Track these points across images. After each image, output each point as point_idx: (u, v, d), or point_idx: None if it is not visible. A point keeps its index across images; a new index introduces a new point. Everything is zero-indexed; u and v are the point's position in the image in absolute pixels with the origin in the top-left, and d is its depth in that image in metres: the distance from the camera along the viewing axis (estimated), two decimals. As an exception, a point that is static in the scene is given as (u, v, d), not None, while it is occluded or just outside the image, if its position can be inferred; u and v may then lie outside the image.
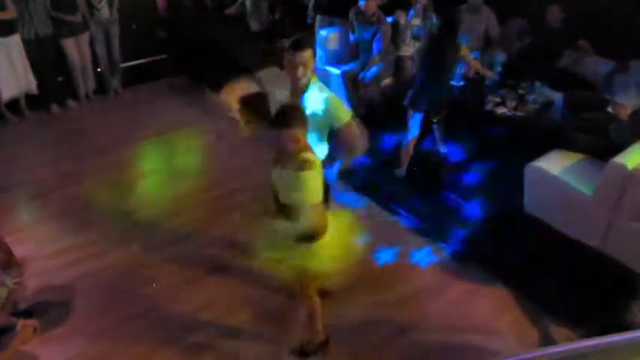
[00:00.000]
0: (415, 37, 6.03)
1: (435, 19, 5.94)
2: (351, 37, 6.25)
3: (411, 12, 6.16)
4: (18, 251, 4.36)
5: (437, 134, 5.46)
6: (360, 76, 6.09)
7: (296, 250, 3.12)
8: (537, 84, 5.29)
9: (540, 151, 4.62)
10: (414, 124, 5.09)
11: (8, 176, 5.61)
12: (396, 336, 3.88)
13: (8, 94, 6.49)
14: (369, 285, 4.30)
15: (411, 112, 5.07)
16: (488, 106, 5.19)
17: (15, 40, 6.28)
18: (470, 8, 6.02)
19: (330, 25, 6.65)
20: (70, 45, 6.77)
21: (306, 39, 3.31)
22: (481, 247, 4.57)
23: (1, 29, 6.14)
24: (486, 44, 6.17)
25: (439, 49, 4.89)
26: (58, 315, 3.98)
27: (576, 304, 3.99)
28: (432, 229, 4.84)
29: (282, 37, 7.73)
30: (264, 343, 3.81)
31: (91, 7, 6.76)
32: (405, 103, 5.13)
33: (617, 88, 5.05)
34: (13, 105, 6.68)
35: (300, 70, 3.24)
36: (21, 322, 3.61)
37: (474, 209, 4.83)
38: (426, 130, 5.33)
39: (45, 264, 4.43)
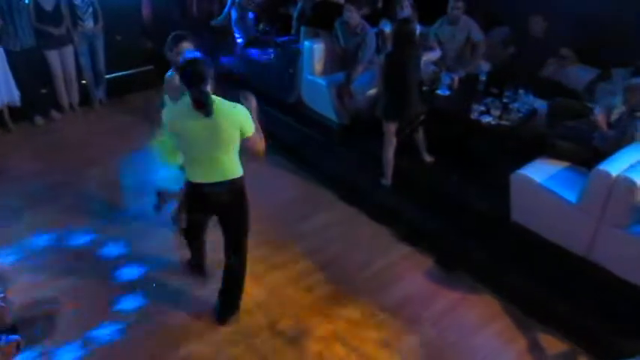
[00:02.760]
0: None
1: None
2: (341, 42, 6.26)
3: (387, 26, 6.20)
4: (1, 266, 4.31)
5: (418, 143, 5.50)
6: (347, 87, 6.11)
7: None
8: (521, 92, 5.34)
9: (526, 159, 4.66)
10: (389, 134, 5.15)
11: (-8, 189, 5.56)
12: (387, 344, 3.89)
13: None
14: (360, 294, 4.31)
15: (384, 123, 5.13)
16: (474, 115, 5.23)
17: (-1, 52, 6.25)
18: (450, 20, 6.07)
19: (315, 36, 6.67)
20: (53, 56, 6.74)
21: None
22: (468, 255, 4.60)
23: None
24: (472, 51, 6.21)
25: (397, 62, 4.95)
26: (45, 329, 3.93)
27: (563, 310, 4.02)
28: (419, 237, 4.87)
29: (267, 48, 7.78)
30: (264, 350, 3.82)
31: (76, 19, 6.73)
32: (377, 114, 5.20)
33: (599, 96, 5.13)
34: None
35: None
36: (3, 340, 3.55)
37: (461, 218, 4.85)
38: (408, 139, 5.37)
39: (30, 278, 4.38)
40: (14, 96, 6.51)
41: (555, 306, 4.06)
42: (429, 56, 5.28)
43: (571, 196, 4.23)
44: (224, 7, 8.30)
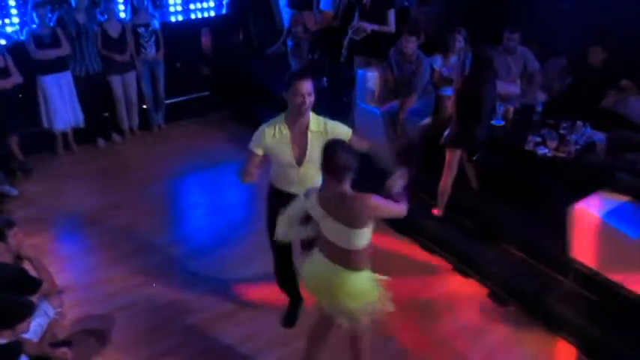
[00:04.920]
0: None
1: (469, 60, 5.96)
2: (395, 71, 6.28)
3: (438, 61, 6.20)
4: (60, 281, 4.45)
5: (469, 171, 5.43)
6: (399, 115, 6.11)
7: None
8: (579, 124, 5.21)
9: (583, 193, 4.53)
10: (453, 162, 5.07)
11: (54, 207, 5.80)
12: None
13: (60, 127, 6.76)
14: (409, 324, 4.24)
15: (449, 151, 5.05)
16: (529, 146, 5.13)
17: (66, 77, 6.58)
18: (505, 51, 6.01)
19: (367, 65, 6.72)
20: (116, 82, 7.03)
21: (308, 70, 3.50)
22: (523, 289, 4.46)
23: (56, 65, 6.45)
24: (528, 82, 6.12)
25: (474, 89, 4.90)
26: (96, 346, 4.04)
27: (624, 352, 3.84)
28: (472, 269, 4.76)
29: (321, 76, 7.89)
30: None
31: (139, 46, 7.02)
32: (443, 142, 5.12)
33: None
34: (62, 138, 6.95)
35: (306, 98, 3.40)
36: (59, 352, 3.66)
37: (516, 251, 4.74)
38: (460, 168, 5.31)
39: (85, 294, 4.52)
40: (79, 119, 6.84)
41: (616, 346, 3.88)
42: (507, 89, 5.24)
43: (632, 231, 4.07)
44: (279, 35, 8.49)
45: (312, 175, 3.59)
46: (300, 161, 3.57)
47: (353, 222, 3.00)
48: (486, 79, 4.89)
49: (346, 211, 2.99)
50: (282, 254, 3.94)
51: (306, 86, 3.38)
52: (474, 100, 4.90)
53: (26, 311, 3.43)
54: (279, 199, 3.62)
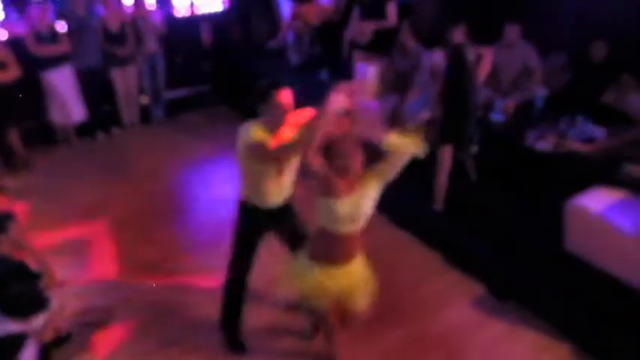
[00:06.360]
0: None
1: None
2: (396, 64, 6.28)
3: (438, 55, 6.19)
4: (60, 273, 4.46)
5: (467, 165, 5.44)
6: (400, 110, 6.11)
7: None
8: (579, 119, 5.22)
9: (581, 188, 4.53)
10: (444, 158, 5.10)
11: (54, 200, 5.81)
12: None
13: (75, 119, 6.77)
14: (406, 319, 4.25)
15: (439, 146, 5.08)
16: (529, 141, 5.14)
17: (68, 70, 6.59)
18: (505, 45, 6.01)
19: (367, 59, 6.72)
20: (117, 75, 7.05)
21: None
22: (521, 284, 4.47)
23: (57, 59, 6.44)
24: (528, 77, 6.12)
25: (454, 86, 4.93)
26: (96, 338, 4.05)
27: (620, 345, 3.85)
28: (471, 264, 4.77)
29: (321, 70, 7.90)
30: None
31: (139, 40, 7.02)
32: (433, 139, 5.15)
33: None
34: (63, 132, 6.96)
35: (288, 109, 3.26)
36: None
37: (513, 246, 4.74)
38: (458, 163, 5.31)
39: (85, 287, 4.54)
40: (81, 112, 6.86)
41: (611, 341, 3.90)
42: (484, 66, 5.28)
43: (630, 226, 4.07)
44: (279, 30, 8.49)
45: (288, 185, 3.56)
46: (281, 170, 3.43)
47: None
48: (465, 77, 4.91)
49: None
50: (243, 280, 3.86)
51: (288, 96, 3.24)
52: (456, 97, 4.94)
53: (43, 305, 3.48)
54: (256, 217, 3.56)
